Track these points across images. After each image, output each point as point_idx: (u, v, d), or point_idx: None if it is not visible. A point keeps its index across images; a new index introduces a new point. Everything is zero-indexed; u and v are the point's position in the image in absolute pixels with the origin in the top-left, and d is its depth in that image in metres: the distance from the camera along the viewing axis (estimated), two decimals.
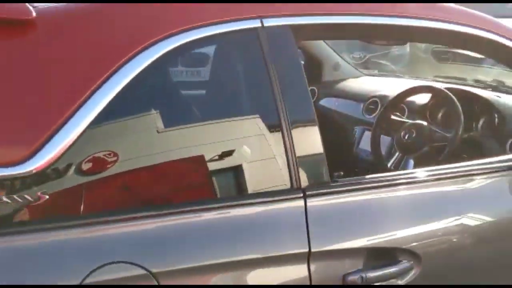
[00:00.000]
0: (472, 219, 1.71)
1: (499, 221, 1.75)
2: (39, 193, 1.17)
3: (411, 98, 2.66)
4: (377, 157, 2.52)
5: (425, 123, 2.43)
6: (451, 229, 1.64)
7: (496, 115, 2.43)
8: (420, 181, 1.68)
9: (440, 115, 2.56)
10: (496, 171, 1.78)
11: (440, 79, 2.97)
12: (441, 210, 1.65)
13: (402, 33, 1.85)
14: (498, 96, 2.57)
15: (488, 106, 2.49)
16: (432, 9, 1.74)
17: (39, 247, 1.17)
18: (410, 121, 2.45)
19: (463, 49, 2.30)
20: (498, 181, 1.78)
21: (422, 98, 2.67)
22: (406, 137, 2.38)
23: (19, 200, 1.15)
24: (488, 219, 1.74)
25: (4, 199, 1.14)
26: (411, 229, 1.59)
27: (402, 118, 2.56)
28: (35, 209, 1.17)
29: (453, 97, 2.37)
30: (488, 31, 1.77)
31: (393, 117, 2.58)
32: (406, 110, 2.66)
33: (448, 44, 2.32)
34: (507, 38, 1.82)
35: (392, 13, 1.68)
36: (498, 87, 2.75)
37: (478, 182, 1.76)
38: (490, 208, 1.77)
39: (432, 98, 2.62)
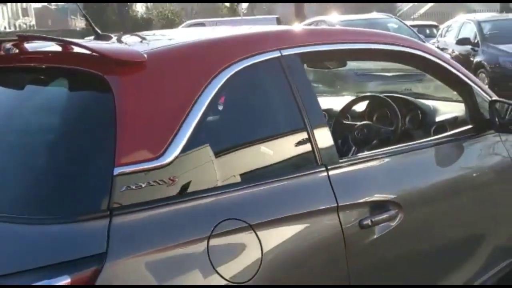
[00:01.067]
0: (423, 180, 2.47)
1: (439, 180, 2.52)
2: (171, 177, 1.72)
3: (354, 107, 3.41)
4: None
5: (370, 122, 3.17)
6: (413, 187, 2.40)
7: (419, 112, 3.24)
8: (393, 154, 2.41)
9: (375, 116, 3.33)
10: (429, 147, 2.61)
11: (367, 93, 3.74)
12: (404, 174, 2.40)
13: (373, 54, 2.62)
14: (416, 99, 3.42)
15: (413, 106, 3.29)
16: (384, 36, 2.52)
17: (177, 213, 1.71)
18: (359, 123, 3.18)
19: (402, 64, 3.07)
20: (432, 152, 2.57)
21: (360, 106, 3.43)
22: (359, 135, 3.11)
23: (159, 182, 1.70)
24: (434, 179, 2.52)
25: (151, 182, 1.68)
26: (392, 188, 2.30)
27: (352, 122, 3.29)
28: (170, 188, 1.72)
29: (390, 100, 3.15)
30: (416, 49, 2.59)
31: (344, 122, 3.30)
32: (350, 117, 3.40)
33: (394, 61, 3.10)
34: (430, 54, 2.63)
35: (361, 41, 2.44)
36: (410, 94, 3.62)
37: (423, 154, 2.52)
38: (433, 172, 2.53)
39: (368, 105, 3.39)
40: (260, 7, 31.34)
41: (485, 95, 2.91)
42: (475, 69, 11.01)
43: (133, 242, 1.62)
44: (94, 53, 1.79)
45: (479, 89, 2.90)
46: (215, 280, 1.70)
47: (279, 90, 2.14)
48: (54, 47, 1.95)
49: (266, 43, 2.15)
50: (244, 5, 34.70)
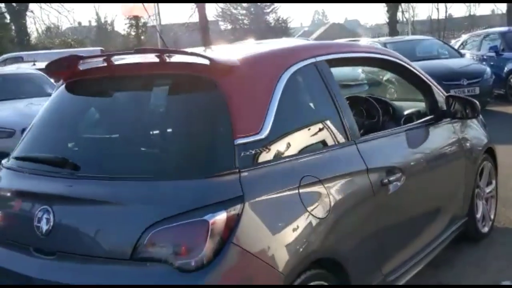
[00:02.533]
0: (410, 153, 3.34)
1: (418, 152, 3.43)
2: (267, 146, 2.42)
3: None
4: None
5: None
6: (406, 158, 3.28)
7: (390, 108, 4.12)
8: (394, 133, 3.26)
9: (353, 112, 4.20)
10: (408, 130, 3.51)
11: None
12: (400, 149, 3.30)
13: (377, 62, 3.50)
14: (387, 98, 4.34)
15: (385, 103, 4.16)
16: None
17: (276, 170, 2.42)
18: None
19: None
20: (411, 134, 3.48)
21: None
22: None
23: (261, 149, 2.39)
24: (415, 152, 3.41)
25: (256, 150, 2.37)
26: (396, 158, 3.14)
27: None
28: (268, 153, 2.42)
29: (371, 99, 4.01)
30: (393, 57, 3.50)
31: None
32: None
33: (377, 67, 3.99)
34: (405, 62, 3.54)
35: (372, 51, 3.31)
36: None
37: (405, 136, 3.42)
38: (414, 147, 3.43)
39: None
40: (167, 34, 31.99)
41: (440, 92, 3.85)
42: None
43: (256, 188, 2.30)
44: (203, 61, 2.46)
45: (435, 88, 3.83)
46: (306, 214, 2.42)
47: (318, 86, 2.90)
48: (164, 57, 2.58)
49: (305, 53, 2.91)
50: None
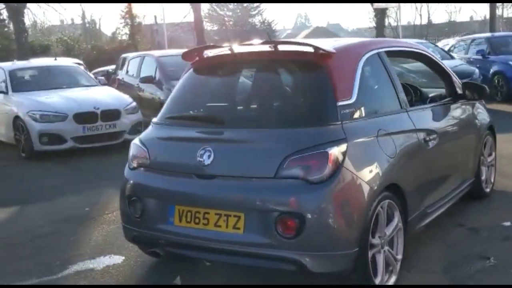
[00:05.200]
0: (439, 121, 4.54)
1: (443, 122, 4.61)
2: (356, 107, 3.57)
3: None
4: None
5: None
6: (438, 124, 4.45)
7: (418, 91, 5.29)
8: (428, 107, 4.45)
9: None
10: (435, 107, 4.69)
11: None
12: (433, 118, 4.47)
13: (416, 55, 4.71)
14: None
15: (414, 88, 5.34)
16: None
17: (362, 124, 3.60)
18: None
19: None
20: (437, 110, 4.67)
21: None
22: None
23: (353, 110, 3.56)
24: (442, 121, 4.59)
25: (351, 110, 3.53)
26: (433, 123, 4.36)
27: None
28: (357, 112, 3.58)
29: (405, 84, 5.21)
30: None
31: None
32: None
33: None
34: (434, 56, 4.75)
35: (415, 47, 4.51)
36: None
37: (434, 110, 4.58)
38: (440, 119, 4.61)
39: None
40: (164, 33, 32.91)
41: (456, 80, 5.05)
42: None
43: (352, 134, 3.43)
44: (309, 49, 3.61)
45: (453, 76, 5.03)
46: (382, 154, 3.59)
47: (380, 70, 4.07)
48: (282, 46, 3.74)
49: (372, 46, 4.08)
50: None
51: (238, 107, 4.15)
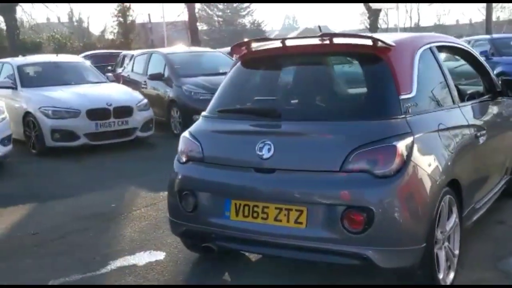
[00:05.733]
0: (484, 117, 4.50)
1: (486, 118, 4.58)
2: (415, 102, 3.52)
3: None
4: None
5: None
6: (484, 120, 4.42)
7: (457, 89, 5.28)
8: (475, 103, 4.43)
9: None
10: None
11: None
12: (481, 113, 4.42)
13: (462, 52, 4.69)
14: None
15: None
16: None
17: (424, 117, 3.55)
18: None
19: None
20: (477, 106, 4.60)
21: None
22: None
23: (413, 104, 3.50)
24: (485, 118, 4.56)
25: (412, 103, 3.48)
26: (481, 119, 4.32)
27: None
28: (415, 109, 3.53)
29: None
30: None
31: None
32: None
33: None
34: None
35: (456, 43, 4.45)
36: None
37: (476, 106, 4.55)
38: (484, 114, 4.58)
39: None
40: (159, 32, 32.76)
41: (495, 77, 5.02)
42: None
43: (416, 128, 3.38)
44: (376, 42, 3.55)
45: (492, 74, 5.00)
46: (443, 148, 3.56)
47: (433, 64, 4.02)
48: (340, 39, 3.68)
49: (425, 40, 4.04)
50: None
51: (294, 101, 4.08)
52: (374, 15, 32.15)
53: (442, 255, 3.51)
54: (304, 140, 3.47)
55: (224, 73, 11.37)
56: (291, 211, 3.36)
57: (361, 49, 3.69)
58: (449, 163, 3.56)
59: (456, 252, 3.73)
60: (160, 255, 4.46)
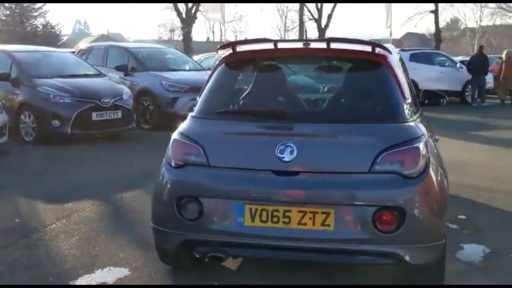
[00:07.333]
0: None
1: None
2: (410, 107, 3.74)
3: None
4: None
5: None
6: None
7: None
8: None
9: None
10: None
11: None
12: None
13: None
14: None
15: None
16: None
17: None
18: None
19: None
20: None
21: None
22: None
23: (413, 105, 3.74)
24: None
25: (411, 108, 3.70)
26: None
27: None
28: (411, 110, 3.76)
29: None
30: None
31: None
32: None
33: None
34: None
35: None
36: None
37: None
38: None
39: None
40: None
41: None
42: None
43: (423, 131, 3.58)
44: (367, 48, 3.68)
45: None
46: (437, 152, 3.79)
47: (405, 73, 4.28)
48: (342, 45, 3.75)
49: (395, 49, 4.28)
50: None
51: (303, 103, 4.02)
52: (187, 27, 32.31)
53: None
54: (329, 142, 3.46)
55: (84, 75, 11.01)
56: (317, 213, 3.31)
57: (361, 55, 3.80)
58: (444, 165, 3.84)
59: None
60: (123, 271, 4.02)
